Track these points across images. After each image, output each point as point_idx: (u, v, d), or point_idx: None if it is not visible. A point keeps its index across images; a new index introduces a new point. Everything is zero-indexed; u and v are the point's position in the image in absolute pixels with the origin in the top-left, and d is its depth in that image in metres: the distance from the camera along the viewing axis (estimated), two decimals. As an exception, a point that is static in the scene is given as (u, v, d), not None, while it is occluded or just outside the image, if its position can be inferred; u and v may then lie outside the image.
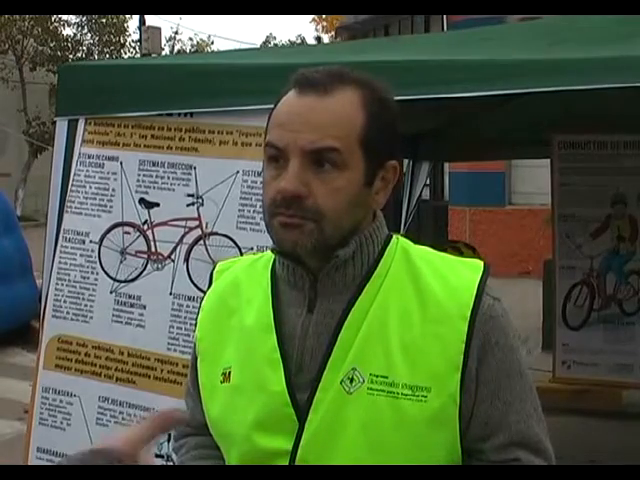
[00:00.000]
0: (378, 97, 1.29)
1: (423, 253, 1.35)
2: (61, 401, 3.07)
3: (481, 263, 1.34)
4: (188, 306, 2.89)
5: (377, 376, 1.25)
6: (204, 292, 1.50)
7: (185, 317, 2.89)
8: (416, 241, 1.40)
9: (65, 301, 3.14)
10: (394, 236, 1.36)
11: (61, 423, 3.07)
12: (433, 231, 11.55)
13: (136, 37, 22.91)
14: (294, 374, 1.29)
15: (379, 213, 1.35)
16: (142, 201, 3.03)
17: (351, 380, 1.25)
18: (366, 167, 1.26)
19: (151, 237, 3.00)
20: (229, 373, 1.33)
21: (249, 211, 2.84)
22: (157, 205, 3.01)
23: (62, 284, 3.15)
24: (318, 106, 1.23)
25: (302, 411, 1.27)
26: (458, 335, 1.25)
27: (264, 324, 1.32)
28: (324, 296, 1.29)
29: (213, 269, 1.49)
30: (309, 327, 1.29)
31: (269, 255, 1.36)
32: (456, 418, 1.25)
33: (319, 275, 1.29)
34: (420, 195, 5.77)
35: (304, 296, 1.30)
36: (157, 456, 2.69)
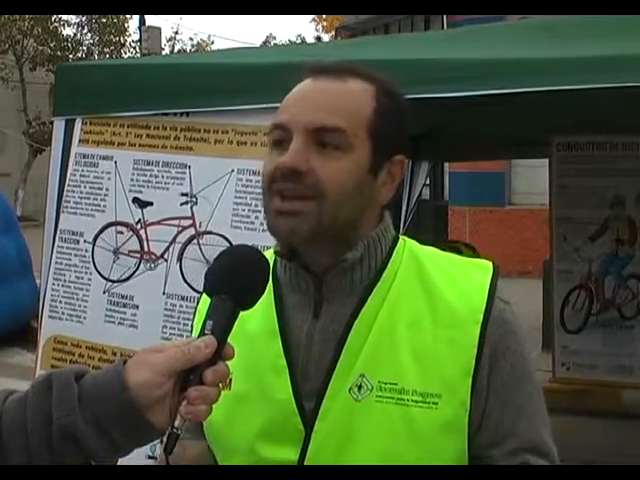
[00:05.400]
0: (389, 91, 1.27)
1: (431, 255, 1.32)
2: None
3: (490, 264, 1.30)
4: (181, 306, 2.87)
5: (386, 383, 1.20)
6: (198, 292, 1.46)
7: (178, 317, 2.88)
8: (417, 241, 1.36)
9: (60, 301, 3.14)
10: (401, 237, 1.32)
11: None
12: (433, 231, 11.49)
13: (136, 37, 22.93)
14: (300, 382, 1.24)
15: (386, 214, 1.31)
16: (136, 200, 3.03)
17: (359, 387, 1.21)
18: (372, 154, 1.22)
19: (144, 236, 2.99)
20: (230, 380, 1.25)
21: (243, 210, 2.83)
22: (151, 204, 3.00)
23: (58, 284, 3.15)
24: (329, 89, 1.22)
25: (309, 420, 1.22)
26: (470, 340, 1.21)
27: (268, 329, 1.27)
28: (330, 300, 1.25)
29: None
30: (315, 333, 1.24)
31: (269, 254, 1.28)
32: (466, 425, 1.21)
33: (324, 278, 1.24)
34: (420, 195, 5.76)
35: (309, 300, 1.26)
36: (150, 457, 2.67)
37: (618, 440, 5.12)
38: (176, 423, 1.01)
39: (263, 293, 1.12)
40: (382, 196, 1.26)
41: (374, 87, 1.24)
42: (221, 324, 1.05)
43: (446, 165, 11.18)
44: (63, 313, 3.13)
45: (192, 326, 1.43)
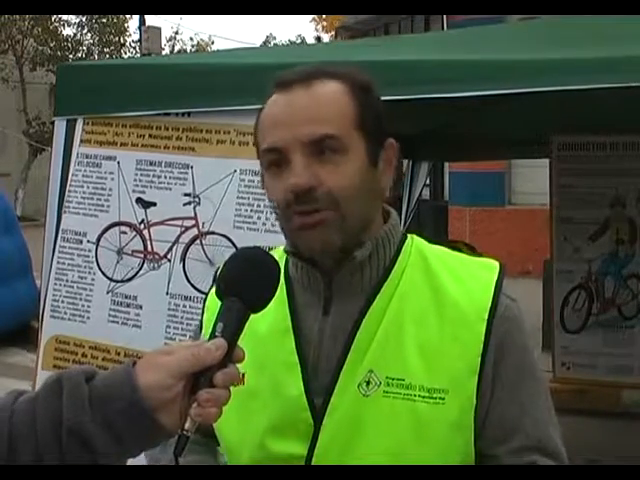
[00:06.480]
0: (360, 85, 1.26)
1: (439, 253, 1.33)
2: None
3: (496, 263, 1.32)
4: (185, 306, 2.86)
5: (393, 379, 1.22)
6: (201, 292, 1.47)
7: (182, 317, 2.88)
8: (423, 239, 1.37)
9: (63, 301, 3.14)
10: (408, 236, 1.34)
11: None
12: (433, 231, 11.53)
13: (136, 37, 22.87)
14: (310, 378, 1.26)
15: (393, 212, 1.33)
16: (139, 200, 3.03)
17: (367, 383, 1.23)
18: (367, 148, 1.24)
19: (147, 237, 3.00)
20: (243, 375, 1.26)
21: (246, 210, 2.84)
22: (154, 204, 3.01)
23: (60, 284, 3.15)
24: (306, 98, 1.21)
25: (318, 415, 1.24)
26: (476, 337, 1.23)
27: (281, 327, 1.29)
28: (340, 298, 1.27)
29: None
30: (325, 330, 1.26)
31: (279, 253, 1.31)
32: (472, 421, 1.22)
33: (334, 276, 1.26)
34: (420, 195, 5.77)
35: (319, 298, 1.28)
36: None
37: (618, 440, 5.12)
38: (186, 425, 1.01)
39: (274, 296, 1.13)
40: (383, 184, 1.28)
41: (347, 85, 1.25)
42: (232, 326, 1.05)
43: (446, 165, 11.21)
44: (65, 313, 3.13)
45: (201, 322, 1.43)
